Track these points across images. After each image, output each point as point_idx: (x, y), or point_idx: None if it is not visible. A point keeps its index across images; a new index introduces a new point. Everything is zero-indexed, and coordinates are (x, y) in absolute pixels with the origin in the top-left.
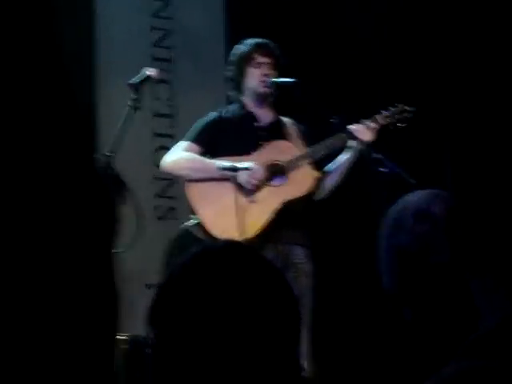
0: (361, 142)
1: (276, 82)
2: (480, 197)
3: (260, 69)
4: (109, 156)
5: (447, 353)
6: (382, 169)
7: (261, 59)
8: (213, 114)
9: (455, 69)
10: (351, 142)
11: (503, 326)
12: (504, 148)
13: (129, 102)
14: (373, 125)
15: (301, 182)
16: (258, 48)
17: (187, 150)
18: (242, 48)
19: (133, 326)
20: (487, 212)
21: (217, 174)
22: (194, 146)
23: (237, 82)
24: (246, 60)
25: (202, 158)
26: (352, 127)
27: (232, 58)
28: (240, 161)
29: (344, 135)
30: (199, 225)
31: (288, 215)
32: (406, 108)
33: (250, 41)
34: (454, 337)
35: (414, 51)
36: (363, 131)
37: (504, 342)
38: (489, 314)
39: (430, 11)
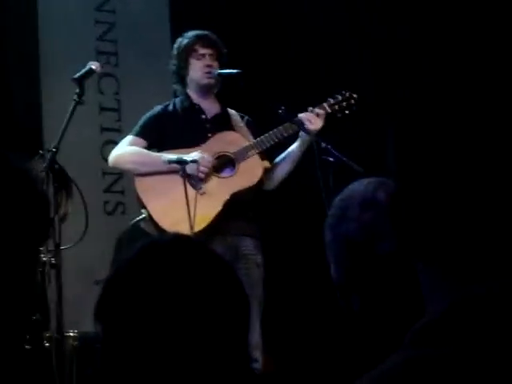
0: (310, 130)
1: (221, 74)
2: (425, 181)
3: (202, 60)
4: (53, 151)
5: (394, 342)
6: (328, 158)
7: (202, 50)
8: (157, 108)
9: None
10: (301, 133)
11: (449, 313)
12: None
13: (73, 97)
14: (321, 112)
15: (250, 172)
16: (199, 39)
17: (133, 144)
18: (183, 41)
19: (82, 322)
20: (433, 196)
21: (164, 168)
22: (140, 140)
23: (180, 75)
24: (187, 52)
25: (148, 152)
26: (301, 115)
27: (174, 51)
28: (188, 153)
29: (292, 124)
30: (149, 219)
31: (237, 206)
32: (352, 95)
33: (191, 33)
34: (401, 326)
35: (354, 37)
36: (312, 119)
37: (450, 330)
38: (436, 302)
39: None
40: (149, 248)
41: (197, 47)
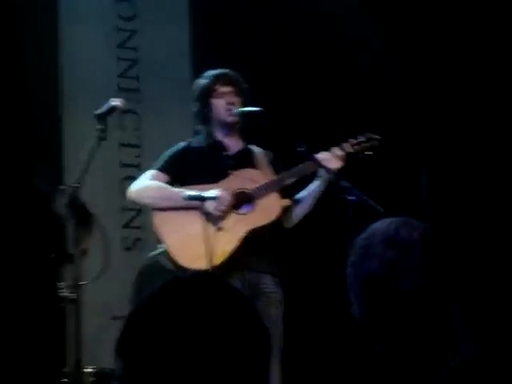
0: (328, 170)
1: (242, 112)
2: (454, 222)
3: (224, 98)
4: (75, 187)
5: (415, 381)
6: (349, 197)
7: (223, 89)
8: (181, 144)
9: (421, 98)
10: (320, 171)
11: (484, 354)
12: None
13: (95, 133)
14: (340, 153)
15: (268, 209)
16: (218, 79)
17: (155, 178)
18: (202, 82)
19: (100, 358)
20: (471, 239)
21: (183, 203)
22: (161, 175)
23: (203, 116)
24: (208, 92)
25: (168, 187)
26: (319, 155)
27: (194, 93)
28: (208, 189)
29: (311, 163)
30: (166, 254)
31: (255, 243)
32: (373, 136)
33: (210, 73)
34: (428, 365)
35: (379, 78)
36: (330, 159)
37: (484, 372)
38: (471, 338)
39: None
40: (171, 284)
41: (217, 87)
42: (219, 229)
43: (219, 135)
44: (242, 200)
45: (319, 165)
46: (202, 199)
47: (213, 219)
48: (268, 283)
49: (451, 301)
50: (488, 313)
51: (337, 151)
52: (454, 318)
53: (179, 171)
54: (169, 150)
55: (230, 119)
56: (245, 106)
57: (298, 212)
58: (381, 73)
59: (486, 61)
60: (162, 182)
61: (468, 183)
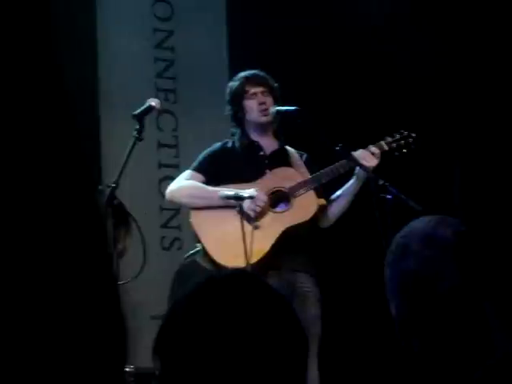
0: (365, 168)
1: (278, 111)
2: (488, 221)
3: (256, 99)
4: (113, 187)
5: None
6: (386, 195)
7: (253, 89)
8: (217, 145)
9: (458, 97)
10: (357, 169)
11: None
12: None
13: (133, 133)
14: (377, 150)
15: (304, 208)
16: (248, 80)
17: (191, 178)
18: (233, 85)
19: (138, 357)
20: (503, 238)
21: (220, 202)
22: (197, 175)
23: (238, 118)
24: (239, 94)
25: (205, 186)
26: (357, 153)
27: (227, 96)
28: (244, 188)
29: (348, 161)
30: (204, 252)
31: (292, 242)
32: (410, 134)
33: (240, 75)
34: (463, 364)
35: (416, 77)
36: (367, 157)
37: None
38: (506, 337)
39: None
40: (207, 283)
41: (247, 88)
42: (256, 227)
43: (254, 136)
44: (278, 198)
45: (356, 163)
46: (239, 198)
47: (249, 217)
48: (305, 282)
49: (484, 300)
50: None
51: (373, 149)
52: (488, 317)
53: (215, 171)
54: (205, 151)
55: (263, 119)
56: (276, 105)
57: (335, 211)
58: (414, 70)
59: None
60: (199, 181)
61: (502, 181)
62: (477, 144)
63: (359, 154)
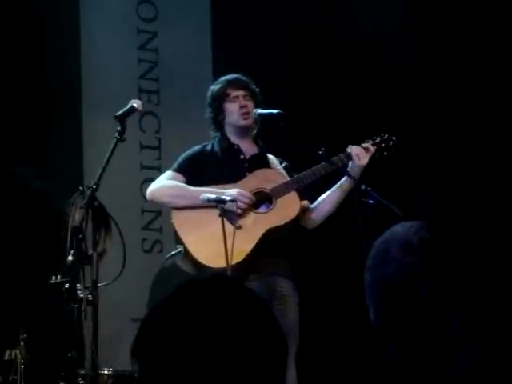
0: (357, 164)
1: (261, 114)
2: (459, 228)
3: (237, 102)
4: (93, 188)
5: None
6: (368, 200)
7: (235, 93)
8: (196, 147)
9: (433, 102)
10: (350, 166)
11: (482, 362)
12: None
13: (115, 134)
14: (371, 148)
15: (287, 208)
16: (229, 83)
17: (171, 178)
18: (215, 88)
19: (117, 360)
20: (467, 244)
21: (202, 203)
22: (178, 175)
23: (218, 122)
24: (221, 97)
25: (186, 186)
26: (351, 149)
27: (208, 99)
28: (225, 188)
29: (330, 164)
30: (185, 253)
31: (273, 245)
32: (390, 137)
33: (221, 78)
34: (436, 371)
35: (399, 80)
36: (361, 154)
37: (482, 380)
38: (466, 349)
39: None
40: (186, 286)
41: (229, 91)
42: (239, 227)
43: (234, 139)
44: (260, 199)
45: (348, 159)
46: (221, 202)
47: (231, 218)
48: (285, 286)
49: (448, 307)
50: (487, 320)
51: (366, 146)
52: (452, 324)
53: (195, 173)
54: (184, 154)
55: (243, 122)
56: (259, 108)
57: (322, 211)
58: (398, 73)
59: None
60: (180, 182)
61: (467, 185)
62: (442, 151)
63: (353, 149)
